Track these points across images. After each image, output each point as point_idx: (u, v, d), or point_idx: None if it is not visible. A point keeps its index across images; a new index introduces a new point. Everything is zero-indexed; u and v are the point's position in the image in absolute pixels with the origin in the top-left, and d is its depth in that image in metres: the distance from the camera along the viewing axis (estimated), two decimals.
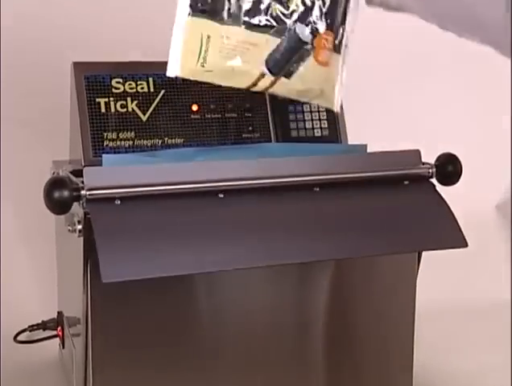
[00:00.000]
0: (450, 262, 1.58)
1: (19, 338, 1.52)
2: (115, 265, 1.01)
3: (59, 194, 1.04)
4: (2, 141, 1.67)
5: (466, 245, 1.17)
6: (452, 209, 1.20)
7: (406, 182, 1.22)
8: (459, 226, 1.18)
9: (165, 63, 1.32)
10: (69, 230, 1.10)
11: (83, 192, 1.06)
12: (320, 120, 1.40)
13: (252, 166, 1.15)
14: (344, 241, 1.14)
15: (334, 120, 1.40)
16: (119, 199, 1.08)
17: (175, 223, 1.09)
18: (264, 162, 1.17)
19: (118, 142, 1.28)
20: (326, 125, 1.40)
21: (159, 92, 1.32)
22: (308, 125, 1.39)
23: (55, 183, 1.05)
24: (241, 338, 1.22)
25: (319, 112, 1.40)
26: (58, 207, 1.05)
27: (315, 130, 1.39)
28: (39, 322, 1.50)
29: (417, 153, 1.24)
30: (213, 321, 1.19)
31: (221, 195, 1.13)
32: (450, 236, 1.17)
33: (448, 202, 1.21)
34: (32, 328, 1.50)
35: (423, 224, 1.18)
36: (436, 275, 1.66)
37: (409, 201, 1.21)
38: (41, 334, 1.51)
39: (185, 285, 1.16)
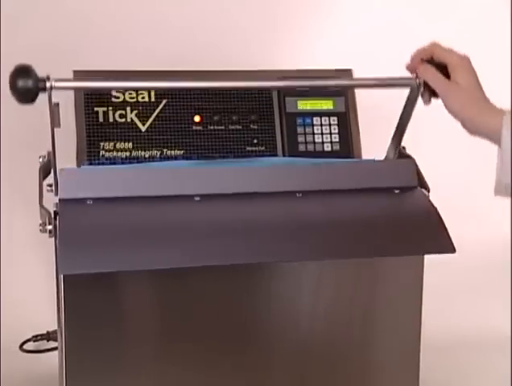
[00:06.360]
0: (469, 290, 1.50)
1: (26, 347, 1.51)
2: (75, 258, 1.01)
3: (24, 83, 1.06)
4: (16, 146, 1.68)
5: (454, 251, 1.12)
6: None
7: (396, 191, 1.20)
8: (447, 232, 1.14)
9: (167, 72, 1.30)
10: (40, 230, 1.10)
11: (48, 84, 1.07)
12: (330, 134, 1.33)
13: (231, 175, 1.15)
14: (326, 244, 1.11)
15: (347, 134, 1.34)
16: (91, 199, 1.09)
17: (144, 222, 1.09)
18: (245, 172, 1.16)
19: (115, 153, 1.25)
20: (337, 140, 1.33)
21: (161, 101, 1.28)
22: (318, 138, 1.33)
23: (19, 72, 1.07)
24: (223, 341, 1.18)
25: (330, 125, 1.34)
26: (23, 96, 1.07)
27: (325, 145, 1.33)
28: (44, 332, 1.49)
29: (411, 162, 1.22)
30: (189, 331, 1.15)
31: (198, 198, 1.13)
32: (438, 241, 1.13)
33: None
34: (36, 338, 1.49)
35: (410, 230, 1.16)
36: (454, 303, 1.60)
37: (398, 207, 1.20)
38: (47, 344, 1.50)
39: (156, 298, 1.14)
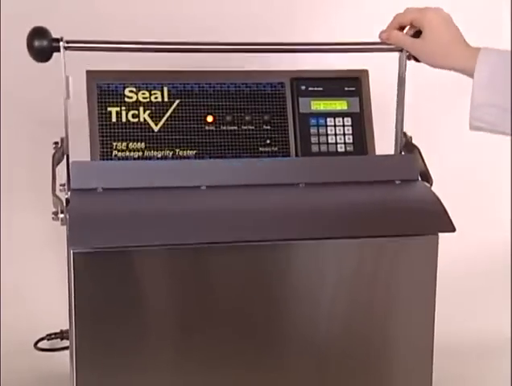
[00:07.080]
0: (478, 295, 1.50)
1: (40, 345, 1.52)
2: (84, 234, 1.07)
3: (39, 42, 1.16)
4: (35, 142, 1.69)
5: (454, 230, 1.17)
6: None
7: (398, 182, 1.26)
8: (447, 213, 1.19)
9: (181, 72, 1.30)
10: (53, 218, 1.13)
11: (61, 43, 1.17)
12: (344, 134, 1.32)
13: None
14: (328, 225, 1.17)
15: (361, 135, 1.33)
16: (101, 189, 1.15)
17: (152, 205, 1.14)
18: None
19: (127, 153, 1.25)
20: (351, 141, 1.32)
21: (174, 101, 1.28)
22: (331, 139, 1.32)
23: (35, 33, 1.16)
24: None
25: (343, 126, 1.33)
26: (38, 55, 1.17)
27: (339, 146, 1.32)
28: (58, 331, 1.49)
29: (413, 157, 1.26)
30: (201, 315, 1.16)
31: (204, 188, 1.19)
32: (438, 222, 1.19)
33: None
34: (50, 337, 1.50)
35: (411, 213, 1.21)
36: (454, 306, 1.61)
37: (400, 195, 1.25)
38: (61, 343, 1.51)
39: (169, 287, 1.16)
